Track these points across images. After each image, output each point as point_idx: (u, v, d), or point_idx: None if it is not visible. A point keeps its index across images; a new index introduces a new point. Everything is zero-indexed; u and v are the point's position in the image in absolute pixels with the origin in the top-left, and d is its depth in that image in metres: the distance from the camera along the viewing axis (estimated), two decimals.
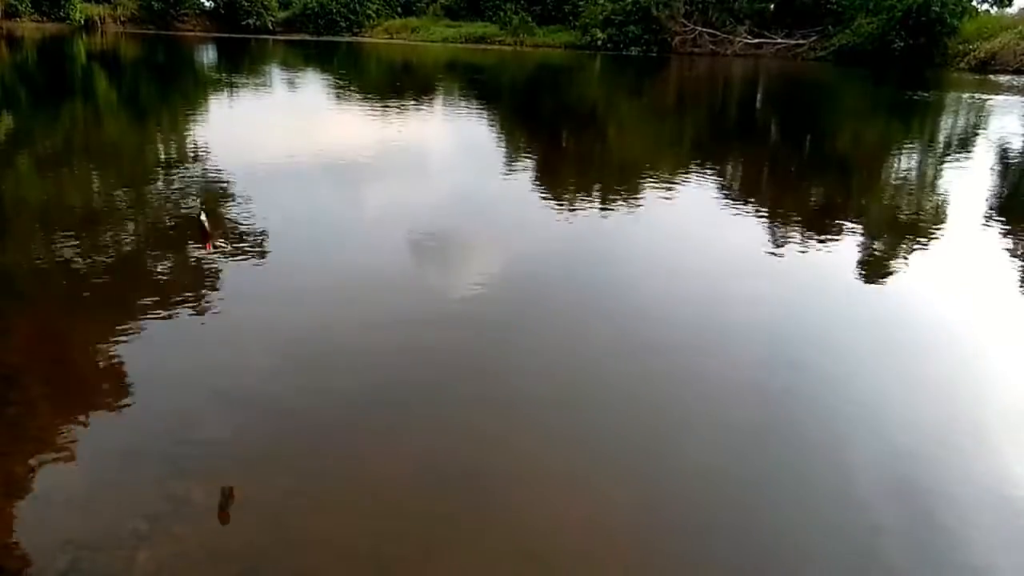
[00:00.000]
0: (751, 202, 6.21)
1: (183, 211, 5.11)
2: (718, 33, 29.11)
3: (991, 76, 20.98)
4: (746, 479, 2.32)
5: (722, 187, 6.93)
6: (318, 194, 5.82)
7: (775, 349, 3.30)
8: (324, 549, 1.93)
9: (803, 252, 4.78)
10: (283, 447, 2.38)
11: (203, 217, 4.29)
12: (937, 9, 24.01)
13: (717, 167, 8.01)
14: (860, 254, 4.80)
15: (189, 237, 4.35)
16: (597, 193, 6.48)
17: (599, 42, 30.70)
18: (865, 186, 7.43)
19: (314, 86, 16.07)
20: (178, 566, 1.85)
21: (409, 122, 10.37)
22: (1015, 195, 6.97)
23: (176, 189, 5.79)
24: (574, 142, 10.02)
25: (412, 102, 13.21)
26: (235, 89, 13.85)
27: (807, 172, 8.28)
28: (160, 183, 6.05)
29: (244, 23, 38.16)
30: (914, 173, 8.00)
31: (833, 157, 9.33)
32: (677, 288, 4.10)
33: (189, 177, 6.20)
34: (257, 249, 4.27)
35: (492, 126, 10.86)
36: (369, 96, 13.84)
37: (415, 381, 2.88)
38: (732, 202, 6.21)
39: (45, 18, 34.07)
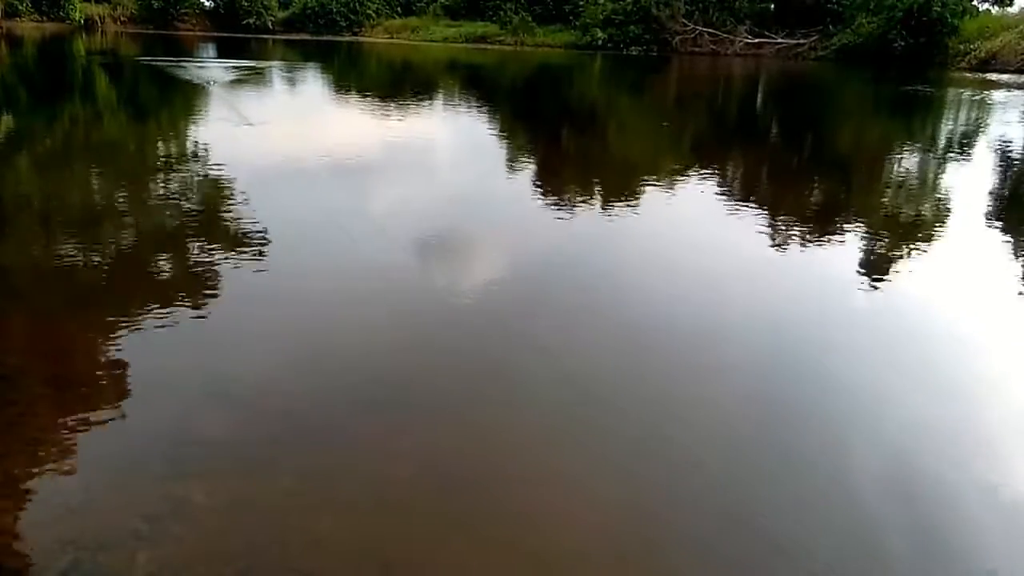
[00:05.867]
0: (753, 201, 6.20)
1: (183, 210, 5.11)
2: (719, 33, 29.14)
3: (992, 75, 20.99)
4: (748, 479, 2.31)
5: (724, 186, 6.92)
6: (318, 193, 5.81)
7: (776, 348, 3.30)
8: (324, 549, 1.93)
9: (804, 251, 4.78)
10: (283, 447, 2.37)
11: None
12: (938, 9, 24.03)
13: (719, 166, 8.00)
14: (862, 253, 4.79)
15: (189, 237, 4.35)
16: (598, 193, 6.48)
17: (599, 42, 30.75)
18: (867, 184, 7.43)
19: (313, 85, 16.07)
20: (178, 566, 1.84)
21: (410, 123, 10.36)
22: (1017, 193, 6.96)
23: (176, 188, 5.79)
24: (575, 142, 10.01)
25: (412, 101, 13.21)
26: (234, 88, 13.83)
27: (809, 170, 8.28)
28: (160, 182, 6.04)
29: (244, 23, 38.22)
30: (915, 170, 7.99)
31: (834, 154, 9.33)
32: (678, 287, 4.10)
33: (189, 176, 6.20)
34: (257, 249, 4.27)
35: (493, 126, 10.86)
36: (369, 95, 13.84)
37: (417, 381, 2.87)
38: (734, 201, 6.21)
39: (45, 18, 34.13)
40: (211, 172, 6.34)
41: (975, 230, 5.49)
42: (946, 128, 11.89)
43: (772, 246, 4.89)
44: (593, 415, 2.66)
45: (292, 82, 16.38)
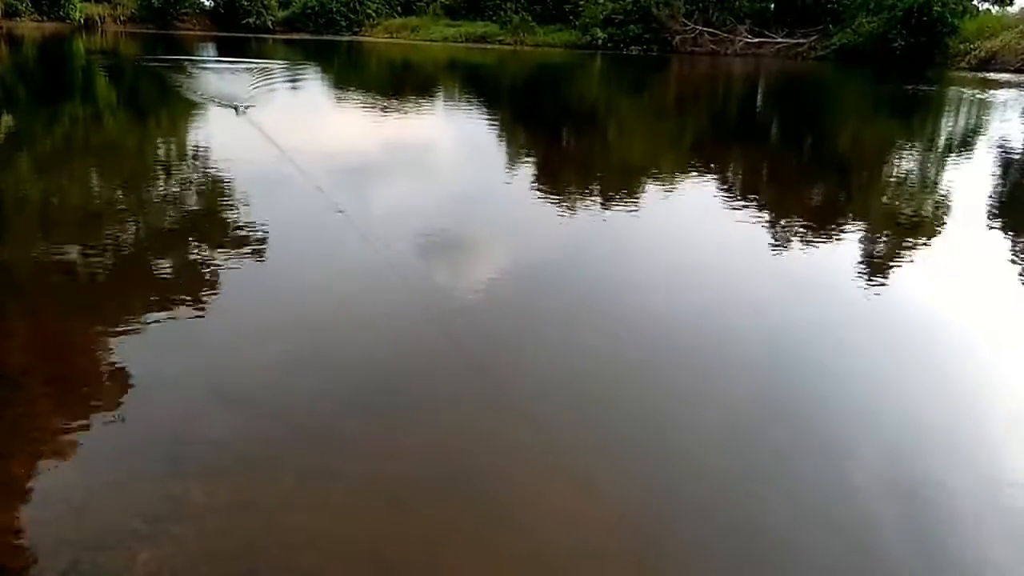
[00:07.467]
0: (754, 200, 6.20)
1: (182, 210, 5.11)
2: (719, 32, 29.14)
3: (992, 75, 21.00)
4: (749, 479, 2.31)
5: (725, 185, 6.92)
6: (317, 193, 5.81)
7: (776, 348, 3.30)
8: (324, 549, 1.93)
9: (805, 251, 4.78)
10: (283, 447, 2.37)
11: None
12: (938, 8, 24.03)
13: (720, 165, 8.00)
14: (863, 252, 4.79)
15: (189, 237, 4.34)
16: (599, 193, 6.47)
17: (599, 41, 30.76)
18: (868, 183, 7.42)
19: (312, 84, 16.06)
20: (178, 566, 1.84)
21: (409, 123, 10.36)
22: (1017, 192, 6.96)
23: (175, 188, 5.79)
24: (575, 142, 10.01)
25: (412, 101, 13.21)
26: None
27: (810, 169, 8.28)
28: (159, 182, 6.04)
29: (244, 22, 38.17)
30: (916, 169, 7.98)
31: (836, 154, 9.32)
32: (679, 288, 4.09)
33: (188, 176, 6.20)
34: (257, 249, 4.27)
35: (493, 126, 10.86)
36: (368, 94, 13.82)
37: (417, 381, 2.87)
38: (735, 201, 6.20)
39: (45, 17, 34.09)
40: None
41: (976, 229, 5.48)
42: (947, 127, 11.89)
43: (773, 246, 4.88)
44: (594, 415, 2.66)
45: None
